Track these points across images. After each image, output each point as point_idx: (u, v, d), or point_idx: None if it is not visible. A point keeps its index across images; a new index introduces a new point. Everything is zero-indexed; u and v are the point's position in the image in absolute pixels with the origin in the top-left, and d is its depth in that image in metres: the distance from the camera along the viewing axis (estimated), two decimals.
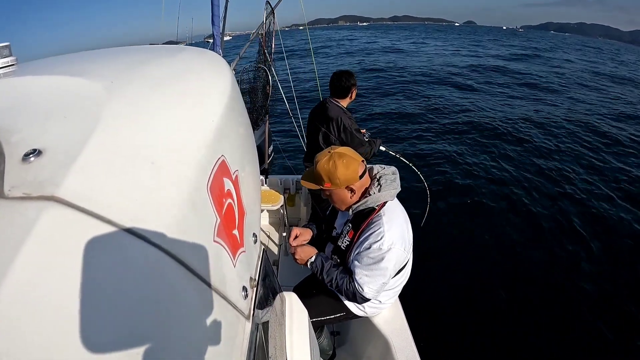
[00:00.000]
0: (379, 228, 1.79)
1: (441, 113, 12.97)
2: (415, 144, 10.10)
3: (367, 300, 1.87)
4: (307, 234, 2.22)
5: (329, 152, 1.84)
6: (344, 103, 3.40)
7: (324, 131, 3.34)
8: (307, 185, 1.94)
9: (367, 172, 1.90)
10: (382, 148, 3.67)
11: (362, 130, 3.45)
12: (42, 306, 0.47)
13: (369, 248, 1.79)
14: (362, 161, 1.88)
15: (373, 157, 3.53)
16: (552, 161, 8.94)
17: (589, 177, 8.11)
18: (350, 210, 1.93)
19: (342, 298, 2.04)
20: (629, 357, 3.85)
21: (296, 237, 2.17)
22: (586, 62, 33.74)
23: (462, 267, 5.09)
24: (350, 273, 1.89)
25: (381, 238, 1.76)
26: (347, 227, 1.97)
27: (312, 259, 1.99)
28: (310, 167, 1.93)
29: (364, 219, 1.87)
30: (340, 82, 3.33)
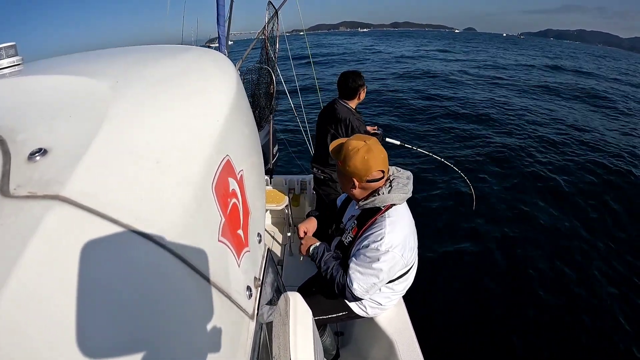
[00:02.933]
0: (381, 229, 1.79)
1: None
2: None
3: (356, 298, 1.86)
4: (312, 227, 2.25)
5: (365, 141, 1.84)
6: (352, 104, 3.38)
7: (333, 132, 3.33)
8: (332, 148, 1.96)
9: (383, 179, 1.89)
10: (396, 142, 3.69)
11: (372, 128, 3.46)
12: (46, 305, 0.47)
13: (367, 247, 1.79)
14: (382, 170, 1.87)
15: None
16: None
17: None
18: (358, 205, 1.94)
19: (336, 292, 2.05)
20: None
21: (305, 233, 2.19)
22: None
23: (468, 269, 5.10)
24: (345, 268, 1.89)
25: (381, 239, 1.76)
26: (352, 224, 1.99)
27: (316, 245, 2.01)
28: (347, 139, 1.93)
29: (368, 217, 1.88)
30: (348, 83, 3.30)
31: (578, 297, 4.72)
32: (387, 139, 3.57)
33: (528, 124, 12.55)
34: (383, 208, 1.85)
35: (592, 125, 12.76)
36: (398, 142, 3.74)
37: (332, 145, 1.96)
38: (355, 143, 1.82)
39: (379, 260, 1.76)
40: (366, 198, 1.89)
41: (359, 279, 1.80)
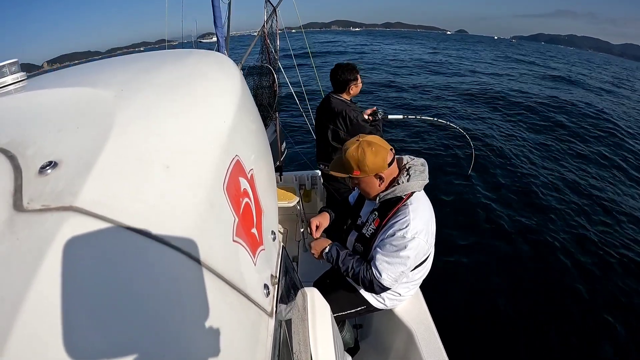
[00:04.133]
0: (405, 217, 1.78)
1: None
2: None
3: (385, 288, 1.86)
4: (325, 221, 2.23)
5: (358, 140, 1.84)
6: (346, 97, 3.35)
7: (333, 128, 3.30)
8: (336, 174, 1.93)
9: (395, 160, 1.89)
10: (399, 116, 3.68)
11: (371, 110, 3.41)
12: (67, 316, 0.47)
13: (393, 235, 1.78)
14: (391, 149, 1.87)
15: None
16: None
17: None
18: (377, 198, 1.92)
19: (360, 289, 2.03)
20: None
21: (317, 227, 2.18)
22: None
23: (488, 259, 5.06)
24: (369, 261, 1.89)
25: (406, 226, 1.75)
26: (373, 216, 1.97)
27: (327, 249, 1.99)
28: (339, 156, 1.92)
29: (391, 207, 1.87)
30: (336, 76, 3.28)
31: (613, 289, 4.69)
32: (390, 116, 3.52)
33: None
34: (404, 197, 1.85)
35: None
36: (401, 116, 3.70)
37: (335, 174, 1.95)
38: (353, 148, 1.82)
39: (406, 247, 1.76)
40: (386, 189, 1.89)
41: (387, 269, 1.80)
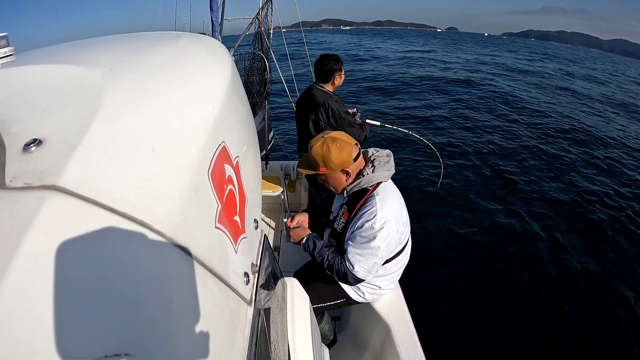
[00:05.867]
0: (372, 207, 1.81)
1: None
2: None
3: (359, 280, 1.89)
4: (304, 218, 2.28)
5: (322, 137, 1.87)
6: (329, 87, 3.37)
7: (314, 118, 3.30)
8: (304, 171, 1.97)
9: (361, 154, 1.92)
10: (376, 123, 3.69)
11: (351, 111, 3.44)
12: (46, 297, 0.47)
13: (362, 227, 1.81)
14: (356, 144, 1.89)
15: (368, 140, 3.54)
16: None
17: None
18: (345, 192, 1.95)
19: (337, 279, 2.06)
20: None
21: (293, 219, 2.23)
22: None
23: (465, 253, 5.14)
24: (343, 254, 1.91)
25: (373, 217, 1.78)
26: (342, 210, 2.00)
27: (304, 240, 2.04)
28: (306, 153, 1.95)
29: (358, 199, 1.90)
30: (322, 66, 3.29)
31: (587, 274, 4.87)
32: (367, 120, 3.55)
33: None
34: (370, 188, 1.88)
35: None
36: (378, 123, 3.73)
37: (302, 171, 2.00)
38: (319, 145, 1.85)
39: (375, 238, 1.78)
40: (352, 182, 1.92)
41: (360, 260, 1.83)
